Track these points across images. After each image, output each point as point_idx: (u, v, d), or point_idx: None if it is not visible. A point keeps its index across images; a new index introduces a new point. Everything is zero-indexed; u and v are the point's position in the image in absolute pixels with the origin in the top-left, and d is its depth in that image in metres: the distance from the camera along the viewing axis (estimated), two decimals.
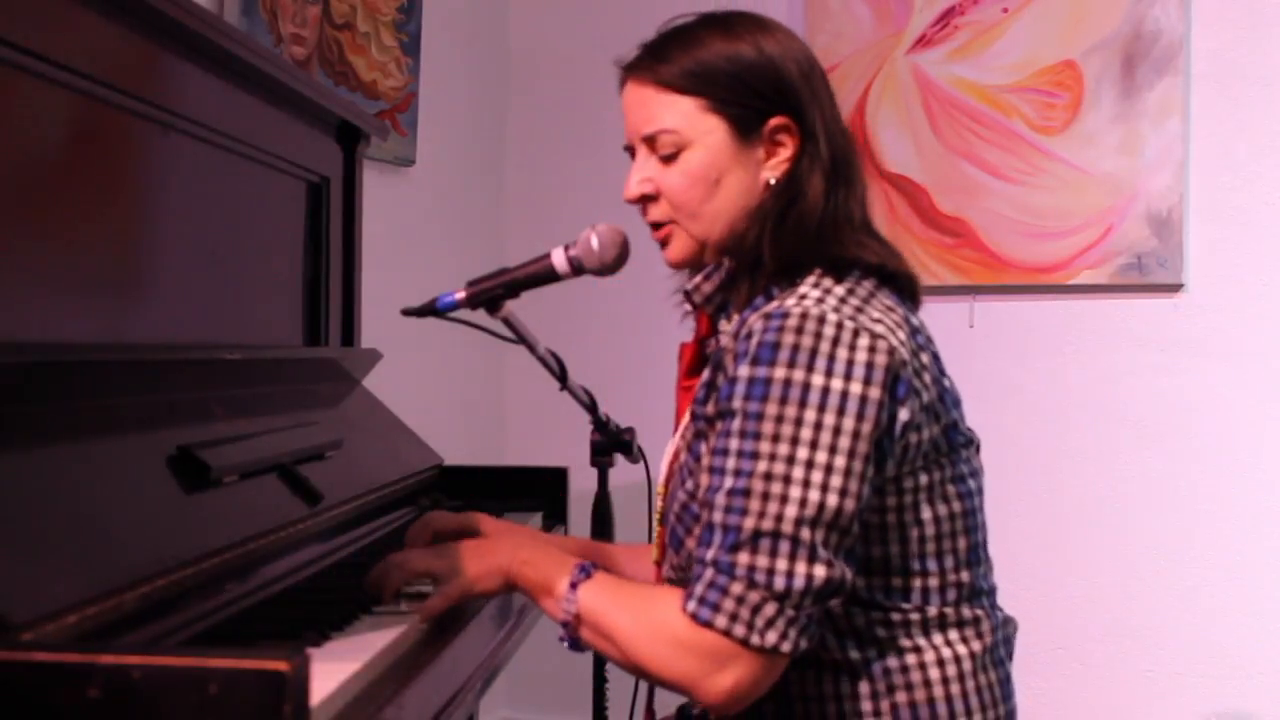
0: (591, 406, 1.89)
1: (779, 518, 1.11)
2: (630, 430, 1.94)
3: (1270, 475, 2.77)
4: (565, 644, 1.24)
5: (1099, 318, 2.90)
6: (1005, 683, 1.29)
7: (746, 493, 1.12)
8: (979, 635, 1.26)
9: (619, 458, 1.95)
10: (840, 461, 1.12)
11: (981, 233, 2.96)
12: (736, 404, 1.16)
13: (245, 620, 1.23)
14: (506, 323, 1.72)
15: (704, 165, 1.29)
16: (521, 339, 1.75)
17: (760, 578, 1.11)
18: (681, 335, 1.42)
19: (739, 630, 1.11)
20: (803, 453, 1.12)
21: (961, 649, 1.24)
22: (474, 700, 1.42)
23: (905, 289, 1.30)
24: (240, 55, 1.58)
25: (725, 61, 1.28)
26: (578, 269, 1.61)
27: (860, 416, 1.13)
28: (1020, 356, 2.96)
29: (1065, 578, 2.92)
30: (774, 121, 1.29)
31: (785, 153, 1.30)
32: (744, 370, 1.16)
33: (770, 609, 1.11)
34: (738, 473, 1.14)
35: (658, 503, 1.39)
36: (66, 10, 1.26)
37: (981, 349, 2.95)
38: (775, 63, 1.29)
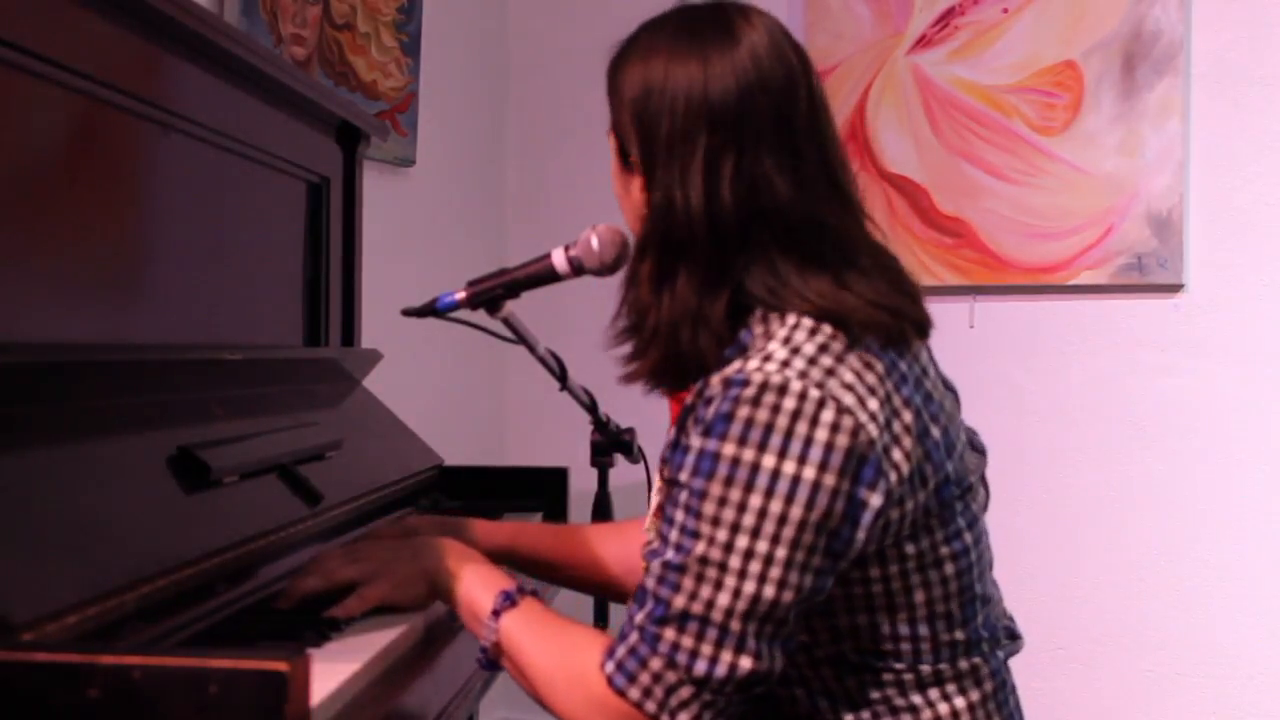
0: (591, 407, 1.89)
1: (709, 604, 1.05)
2: (630, 430, 1.94)
3: (1270, 475, 2.77)
4: (480, 664, 1.20)
5: (1099, 318, 2.90)
6: None
7: (681, 569, 1.07)
8: (978, 684, 1.18)
9: (619, 458, 1.95)
10: (781, 553, 1.05)
11: (981, 233, 2.96)
12: (684, 477, 1.09)
13: (245, 620, 1.23)
14: (506, 323, 1.72)
15: (613, 178, 1.26)
16: (521, 339, 1.75)
17: (681, 658, 1.06)
18: None
19: (650, 706, 1.07)
20: (742, 541, 1.05)
21: (960, 702, 1.17)
22: (474, 700, 1.42)
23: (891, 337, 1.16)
24: (240, 55, 1.58)
25: (622, 80, 1.20)
26: (578, 269, 1.61)
27: (809, 505, 1.05)
28: (1020, 356, 2.96)
29: (1065, 578, 2.92)
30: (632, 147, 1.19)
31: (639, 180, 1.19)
32: (696, 441, 1.09)
33: (686, 691, 1.06)
34: (678, 547, 1.08)
35: (651, 521, 1.34)
36: (66, 10, 1.26)
37: (981, 349, 2.95)
38: (654, 94, 1.16)
